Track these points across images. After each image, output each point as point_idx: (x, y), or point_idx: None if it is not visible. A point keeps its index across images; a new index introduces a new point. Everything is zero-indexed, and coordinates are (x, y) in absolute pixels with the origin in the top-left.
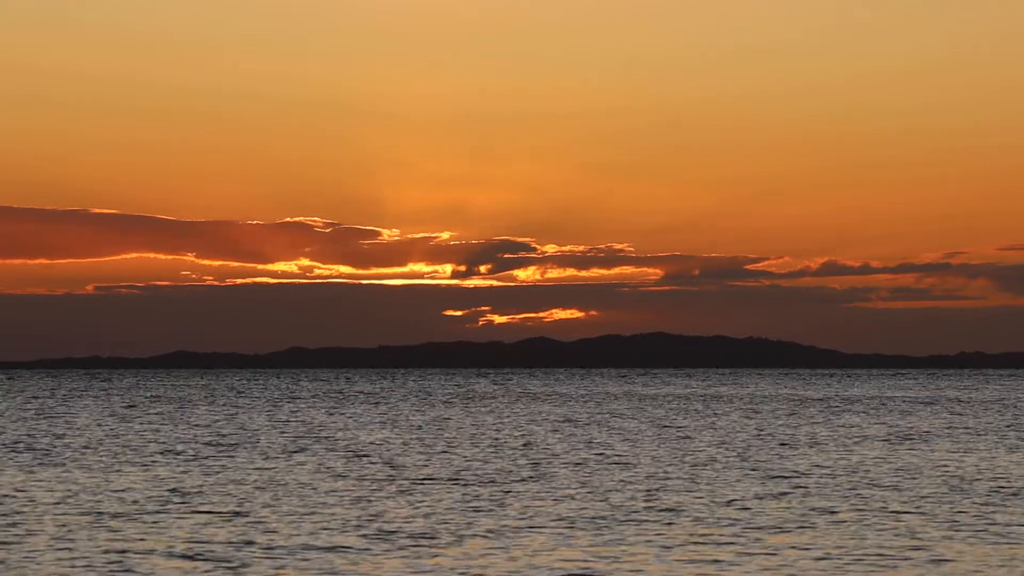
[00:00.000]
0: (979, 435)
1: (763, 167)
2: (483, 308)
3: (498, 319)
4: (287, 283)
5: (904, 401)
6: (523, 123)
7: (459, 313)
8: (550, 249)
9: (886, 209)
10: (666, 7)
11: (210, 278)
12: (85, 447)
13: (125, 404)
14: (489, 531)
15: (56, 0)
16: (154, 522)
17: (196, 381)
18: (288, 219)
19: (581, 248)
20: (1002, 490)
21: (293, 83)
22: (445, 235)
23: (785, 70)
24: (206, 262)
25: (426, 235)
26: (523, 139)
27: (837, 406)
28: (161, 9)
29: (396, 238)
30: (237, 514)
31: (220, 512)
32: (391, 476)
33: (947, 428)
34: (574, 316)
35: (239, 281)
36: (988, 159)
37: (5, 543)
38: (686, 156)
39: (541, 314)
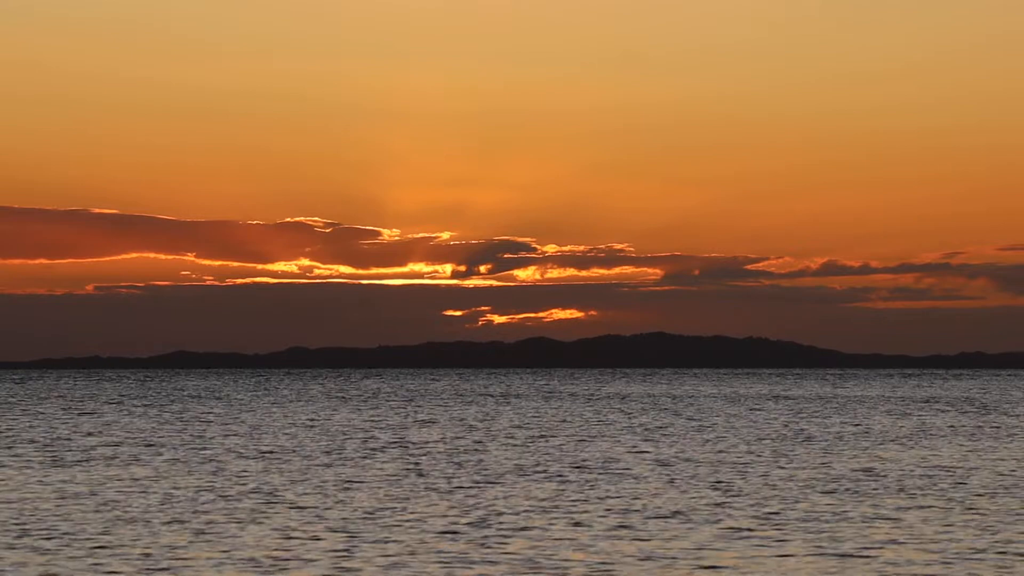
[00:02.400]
0: None
1: (763, 167)
2: (483, 308)
3: (498, 319)
4: (287, 283)
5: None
6: (523, 123)
7: (459, 313)
8: (550, 249)
9: (886, 209)
10: (667, 6)
11: (210, 278)
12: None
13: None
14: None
15: (56, 0)
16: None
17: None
18: (288, 219)
19: (581, 248)
20: None
21: (293, 82)
22: (445, 235)
23: (785, 69)
24: (206, 262)
25: (426, 235)
26: (523, 139)
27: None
28: (161, 9)
29: (396, 238)
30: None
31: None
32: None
33: None
34: (574, 316)
35: (239, 281)
36: (988, 159)
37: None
38: (686, 156)
39: (541, 314)
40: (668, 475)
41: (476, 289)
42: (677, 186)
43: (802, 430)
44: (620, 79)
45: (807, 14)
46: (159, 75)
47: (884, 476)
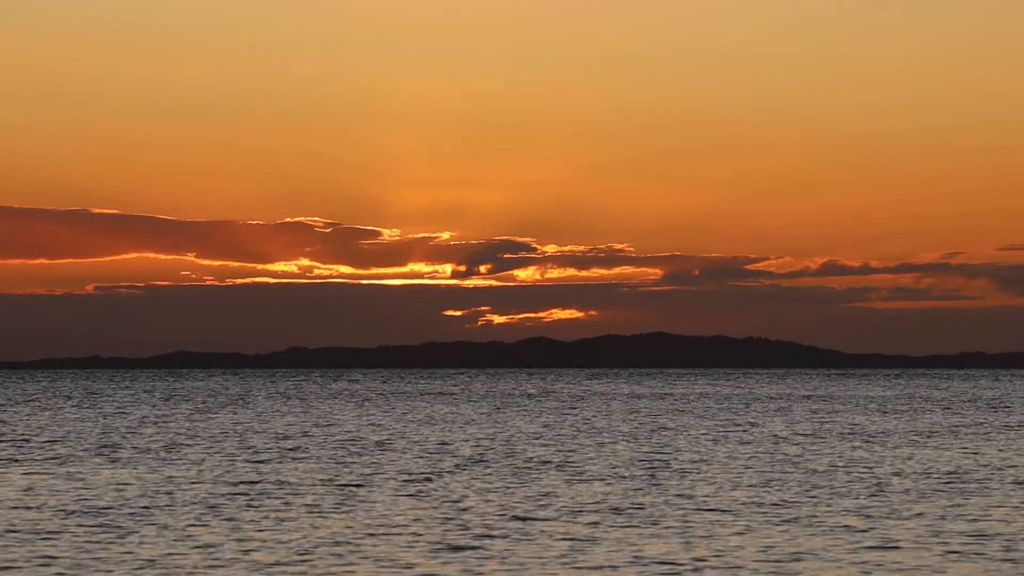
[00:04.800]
0: None
1: (763, 167)
2: (483, 308)
3: (498, 319)
4: (287, 283)
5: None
6: (523, 123)
7: (459, 313)
8: (550, 249)
9: (886, 209)
10: (667, 6)
11: (210, 278)
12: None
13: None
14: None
15: (56, 0)
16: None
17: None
18: (288, 219)
19: (581, 248)
20: None
21: (293, 82)
22: (445, 235)
23: (785, 69)
24: (206, 262)
25: (426, 235)
26: (523, 139)
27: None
28: (161, 9)
29: (396, 238)
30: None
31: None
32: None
33: None
34: (574, 316)
35: (239, 281)
36: (988, 159)
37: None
38: (687, 156)
39: (541, 314)
40: (743, 473)
41: (476, 289)
42: (677, 186)
43: (869, 428)
44: (620, 79)
45: (807, 14)
46: (159, 75)
47: (962, 472)
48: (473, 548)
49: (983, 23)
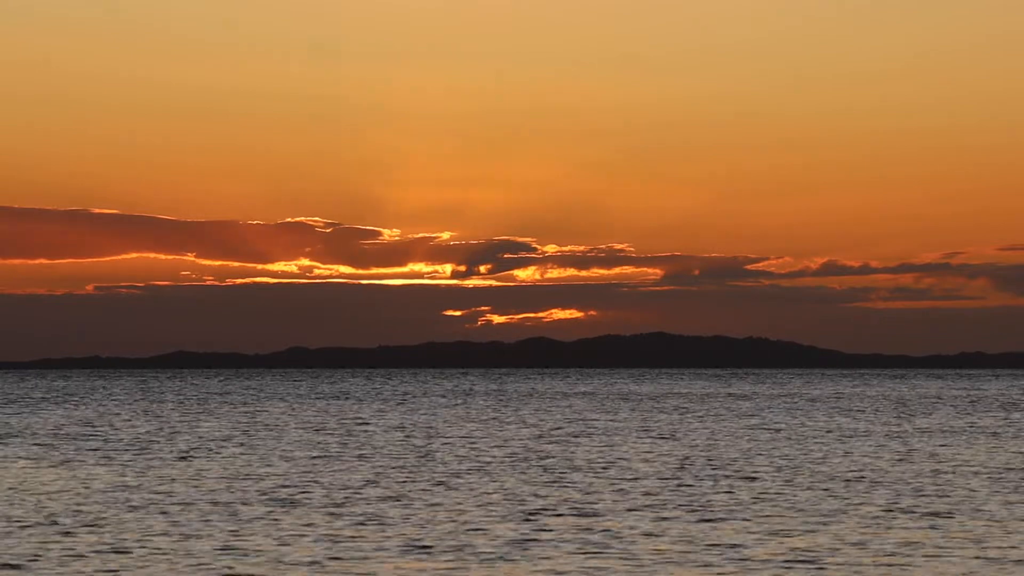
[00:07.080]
0: None
1: (763, 166)
2: (483, 308)
3: (498, 319)
4: (287, 283)
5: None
6: (523, 123)
7: (459, 313)
8: (550, 249)
9: (886, 209)
10: (667, 6)
11: (210, 278)
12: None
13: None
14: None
15: (57, 0)
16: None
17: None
18: (288, 219)
19: (581, 248)
20: None
21: (293, 82)
22: (445, 235)
23: (786, 68)
24: (206, 262)
25: (426, 235)
26: (523, 139)
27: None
28: (161, 9)
29: (396, 238)
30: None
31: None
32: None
33: None
34: (574, 316)
35: (239, 281)
36: (988, 159)
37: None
38: (686, 155)
39: (541, 314)
40: (790, 475)
41: (476, 289)
42: (677, 186)
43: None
44: (619, 79)
45: (807, 14)
46: (159, 75)
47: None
48: (538, 544)
49: (983, 23)
